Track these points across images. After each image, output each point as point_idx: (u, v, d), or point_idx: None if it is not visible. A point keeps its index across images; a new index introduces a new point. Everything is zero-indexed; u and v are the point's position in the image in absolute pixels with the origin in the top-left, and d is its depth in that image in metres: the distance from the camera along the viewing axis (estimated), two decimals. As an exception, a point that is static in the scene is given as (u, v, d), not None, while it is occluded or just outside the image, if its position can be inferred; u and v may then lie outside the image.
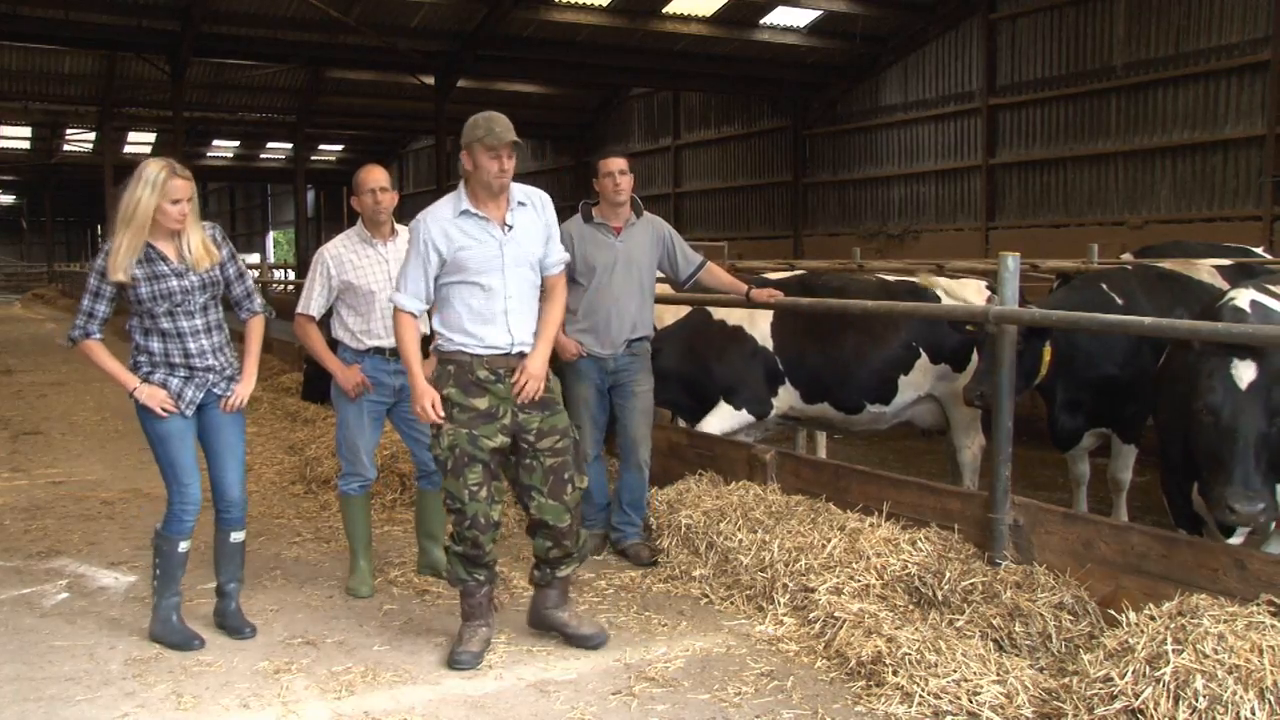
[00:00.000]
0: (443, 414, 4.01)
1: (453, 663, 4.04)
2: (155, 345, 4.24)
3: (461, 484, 4.03)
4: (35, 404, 11.44)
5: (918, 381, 6.18)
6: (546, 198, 4.30)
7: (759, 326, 6.22)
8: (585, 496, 5.17)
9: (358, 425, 4.98)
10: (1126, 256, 9.04)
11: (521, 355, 4.12)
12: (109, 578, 5.25)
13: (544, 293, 4.29)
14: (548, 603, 4.32)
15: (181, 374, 4.25)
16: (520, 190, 4.18)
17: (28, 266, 54.94)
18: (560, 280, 4.34)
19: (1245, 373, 3.68)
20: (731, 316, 6.26)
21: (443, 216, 4.08)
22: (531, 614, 4.39)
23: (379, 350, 4.94)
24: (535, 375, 4.08)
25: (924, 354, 6.15)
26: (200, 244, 4.22)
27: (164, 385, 4.22)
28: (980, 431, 6.25)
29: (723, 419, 6.18)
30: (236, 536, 4.46)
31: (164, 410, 4.20)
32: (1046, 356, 5.24)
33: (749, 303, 5.61)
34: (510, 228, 4.10)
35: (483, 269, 4.05)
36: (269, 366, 12.45)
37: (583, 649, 4.16)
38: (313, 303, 5.00)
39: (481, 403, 4.05)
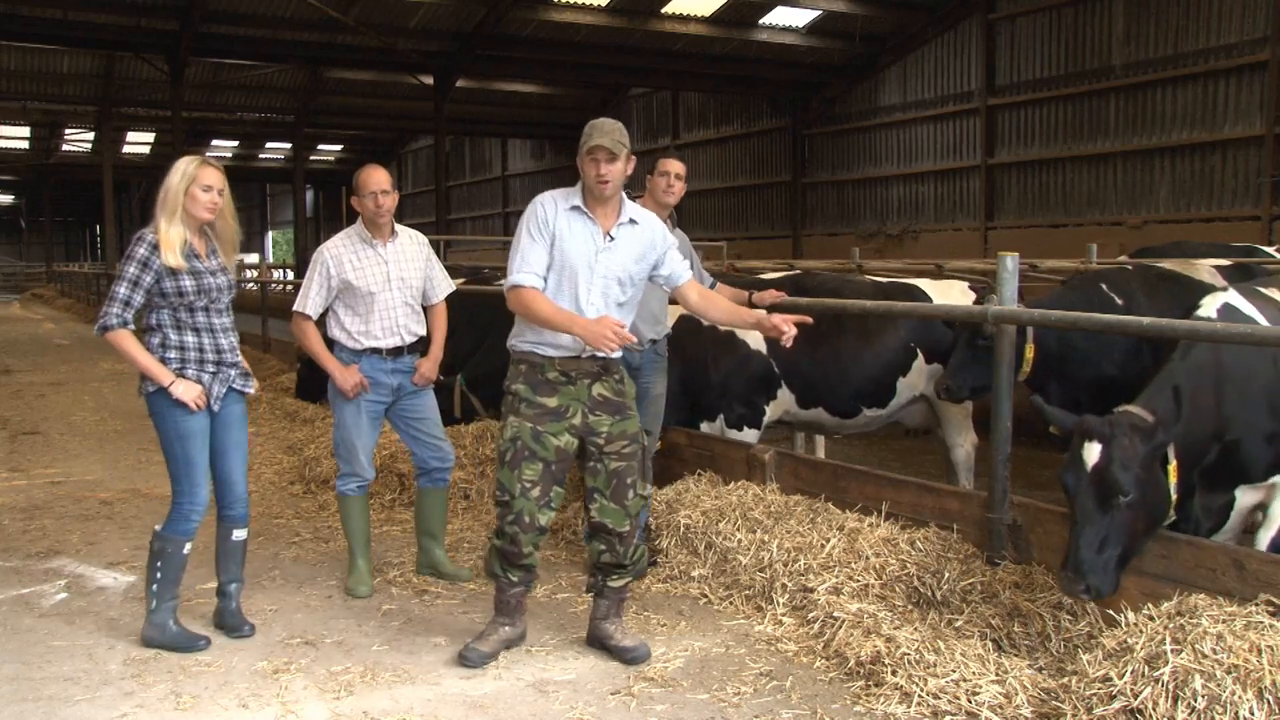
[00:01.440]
0: (628, 330, 3.94)
1: (461, 658, 4.03)
2: (189, 340, 4.24)
3: (515, 477, 3.99)
4: (34, 404, 11.43)
5: (914, 383, 6.19)
6: (658, 226, 4.26)
7: (750, 330, 6.19)
8: None
9: (355, 425, 4.98)
10: (1123, 258, 9.03)
11: (593, 359, 4.08)
12: (108, 578, 5.25)
13: (700, 299, 4.34)
14: (596, 613, 4.25)
15: (210, 370, 4.27)
16: (635, 210, 4.18)
17: (26, 266, 54.94)
18: (694, 284, 4.36)
19: (1091, 455, 3.74)
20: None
21: (559, 202, 4.09)
22: (589, 631, 4.31)
23: (376, 350, 4.94)
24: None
25: (920, 355, 6.16)
26: (234, 253, 4.35)
27: (198, 381, 4.23)
28: (972, 429, 6.29)
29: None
30: (239, 534, 4.46)
31: (196, 406, 4.19)
32: (1029, 354, 5.23)
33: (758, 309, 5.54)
34: (612, 239, 4.08)
35: (573, 266, 4.03)
36: (268, 367, 12.45)
37: (623, 662, 4.09)
38: (310, 301, 4.98)
39: (551, 401, 4.02)
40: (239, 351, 4.42)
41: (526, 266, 4.03)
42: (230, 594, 4.46)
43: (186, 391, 4.17)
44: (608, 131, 4.02)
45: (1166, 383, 3.95)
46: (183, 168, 4.19)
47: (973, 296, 6.27)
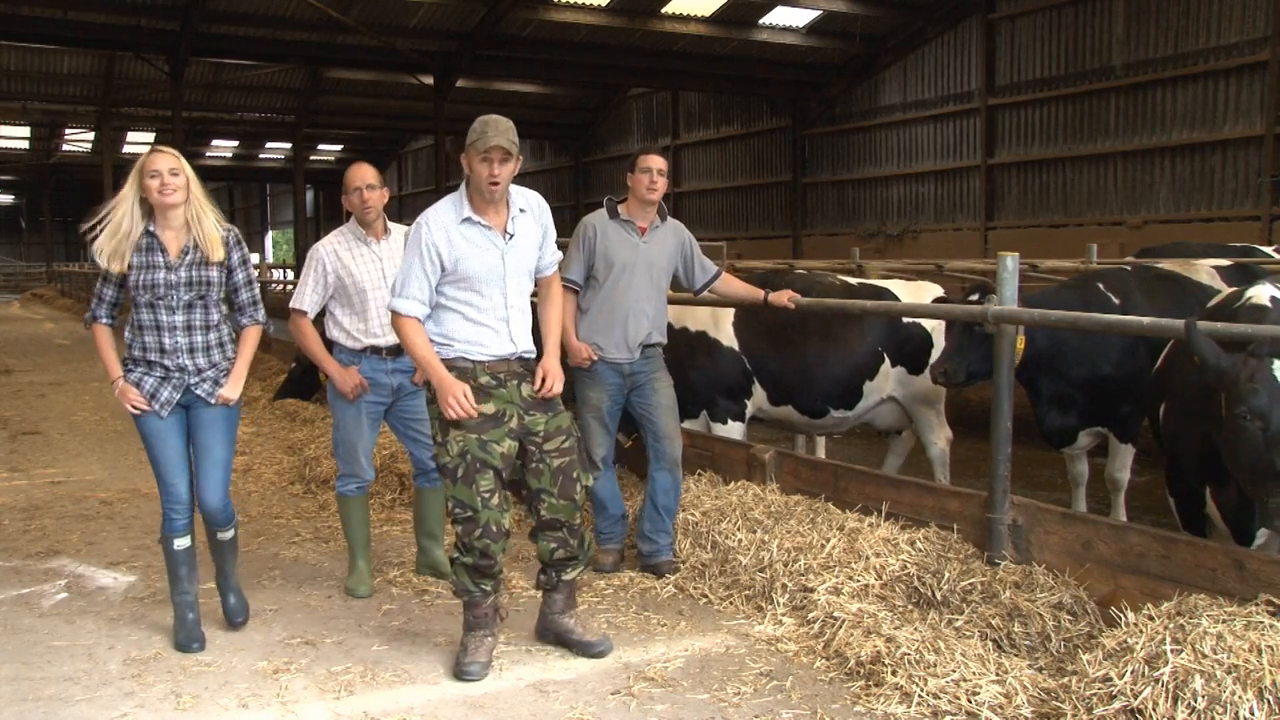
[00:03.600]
0: (475, 405, 3.90)
1: (461, 674, 3.95)
2: (139, 339, 4.25)
3: (474, 491, 3.91)
4: (34, 404, 11.43)
5: (881, 386, 6.25)
6: (543, 201, 4.23)
7: (723, 329, 6.21)
8: (599, 508, 5.15)
9: (355, 426, 4.97)
10: (1128, 259, 9.02)
11: (521, 360, 4.07)
12: (108, 578, 5.25)
13: (541, 295, 4.25)
14: (554, 608, 4.23)
15: (158, 373, 4.21)
16: (519, 195, 4.10)
17: (26, 266, 54.86)
18: (556, 280, 4.30)
19: None
20: (694, 323, 6.24)
21: (445, 221, 3.96)
22: (538, 623, 4.31)
23: (376, 350, 4.93)
24: (557, 373, 4.06)
25: (887, 359, 6.19)
26: (209, 236, 4.19)
27: (138, 384, 4.19)
28: (946, 426, 6.37)
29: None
30: (223, 535, 4.43)
31: (135, 409, 4.20)
32: (1019, 345, 5.21)
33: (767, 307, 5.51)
34: (511, 236, 4.02)
35: (485, 278, 3.96)
36: (268, 367, 12.44)
37: (585, 656, 4.11)
38: (307, 298, 4.96)
39: (487, 407, 3.96)
40: (212, 355, 4.24)
41: (409, 292, 3.94)
42: (221, 588, 4.52)
43: (123, 394, 4.21)
44: (503, 130, 3.88)
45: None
46: (136, 166, 4.17)
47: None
